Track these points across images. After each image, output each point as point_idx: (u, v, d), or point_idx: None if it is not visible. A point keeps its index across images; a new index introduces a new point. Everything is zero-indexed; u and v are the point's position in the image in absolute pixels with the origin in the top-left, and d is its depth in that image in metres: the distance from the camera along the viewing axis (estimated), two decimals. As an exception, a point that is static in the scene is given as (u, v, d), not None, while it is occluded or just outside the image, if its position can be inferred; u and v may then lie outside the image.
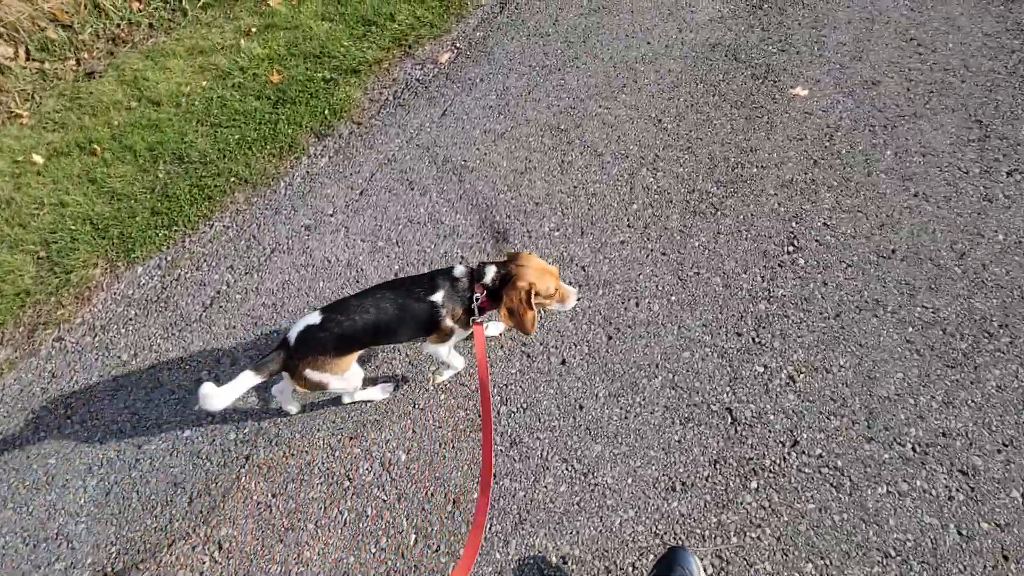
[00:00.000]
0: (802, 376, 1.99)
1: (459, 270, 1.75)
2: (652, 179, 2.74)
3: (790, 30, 3.41)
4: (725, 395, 1.98)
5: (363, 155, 3.08)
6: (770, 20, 3.51)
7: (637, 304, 2.27)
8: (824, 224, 2.44)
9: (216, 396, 1.59)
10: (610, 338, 2.19)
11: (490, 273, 1.72)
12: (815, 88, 3.05)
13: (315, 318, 1.68)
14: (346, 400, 2.04)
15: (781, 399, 1.95)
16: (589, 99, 3.20)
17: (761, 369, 2.03)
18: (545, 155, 2.93)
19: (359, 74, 3.56)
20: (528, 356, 2.18)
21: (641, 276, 2.36)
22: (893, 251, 2.31)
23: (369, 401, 2.07)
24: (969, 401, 1.88)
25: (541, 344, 2.20)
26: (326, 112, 3.33)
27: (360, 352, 1.81)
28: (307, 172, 3.03)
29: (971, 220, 2.37)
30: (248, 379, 1.64)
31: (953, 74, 2.98)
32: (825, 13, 3.48)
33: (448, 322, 1.73)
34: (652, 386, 2.04)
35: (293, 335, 1.68)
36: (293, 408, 2.04)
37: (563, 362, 2.14)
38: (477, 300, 1.69)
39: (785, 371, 2.01)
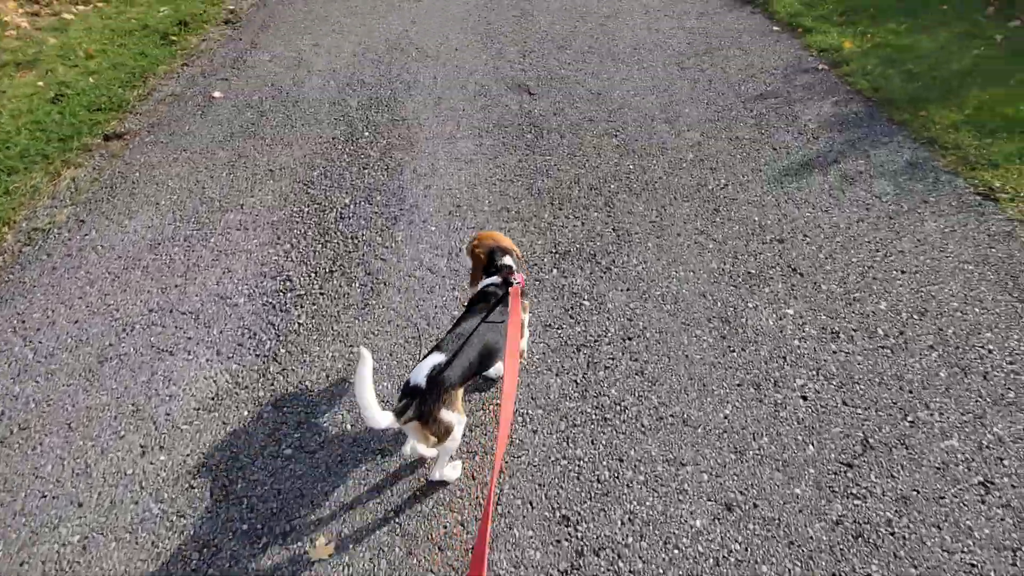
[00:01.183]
0: None
1: (498, 278, 1.97)
2: None
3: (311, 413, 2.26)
4: None
5: None
6: (286, 392, 2.33)
7: None
8: None
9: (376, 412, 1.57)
10: None
11: (510, 261, 2.05)
12: (341, 544, 1.82)
13: (440, 357, 1.70)
14: (446, 472, 1.88)
15: None
16: None
17: None
18: None
19: None
20: None
21: None
22: None
23: (446, 482, 1.91)
24: None
25: None
26: None
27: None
28: None
29: None
30: (388, 419, 1.58)
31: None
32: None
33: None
34: None
35: (422, 379, 1.66)
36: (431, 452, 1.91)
37: None
38: (518, 283, 1.98)
39: None
